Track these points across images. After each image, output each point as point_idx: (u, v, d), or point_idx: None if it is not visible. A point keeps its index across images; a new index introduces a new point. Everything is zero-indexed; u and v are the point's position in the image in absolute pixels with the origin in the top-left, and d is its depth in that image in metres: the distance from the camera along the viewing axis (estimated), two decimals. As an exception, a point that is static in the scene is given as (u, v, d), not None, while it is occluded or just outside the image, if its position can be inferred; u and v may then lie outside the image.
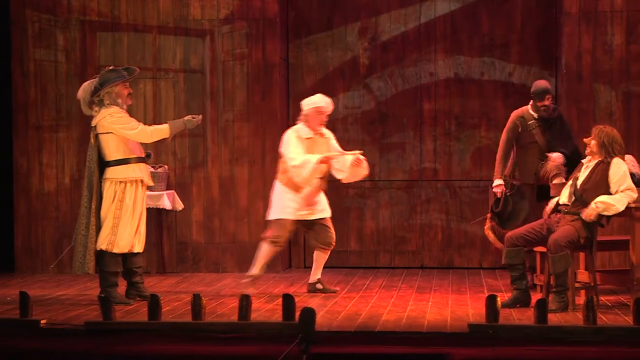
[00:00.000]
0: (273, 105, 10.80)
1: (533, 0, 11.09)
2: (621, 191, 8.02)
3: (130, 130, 8.61)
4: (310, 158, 8.97)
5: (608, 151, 8.14)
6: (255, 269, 9.16)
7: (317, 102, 9.14)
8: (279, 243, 9.12)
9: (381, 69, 11.27)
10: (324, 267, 9.21)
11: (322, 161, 9.01)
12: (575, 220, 8.10)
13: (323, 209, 9.22)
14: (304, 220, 9.15)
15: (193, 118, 8.82)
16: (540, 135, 9.21)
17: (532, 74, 11.03)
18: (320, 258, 9.27)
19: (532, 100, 9.24)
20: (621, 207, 8.00)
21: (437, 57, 11.21)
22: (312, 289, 9.25)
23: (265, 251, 9.12)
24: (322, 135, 9.22)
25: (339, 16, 11.31)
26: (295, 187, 9.08)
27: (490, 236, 9.08)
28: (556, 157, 9.05)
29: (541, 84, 9.25)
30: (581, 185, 8.17)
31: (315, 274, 9.26)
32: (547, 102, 9.14)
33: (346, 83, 11.30)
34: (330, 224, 9.24)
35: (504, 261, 8.32)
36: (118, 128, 8.58)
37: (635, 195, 8.06)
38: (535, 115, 9.22)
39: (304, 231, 9.48)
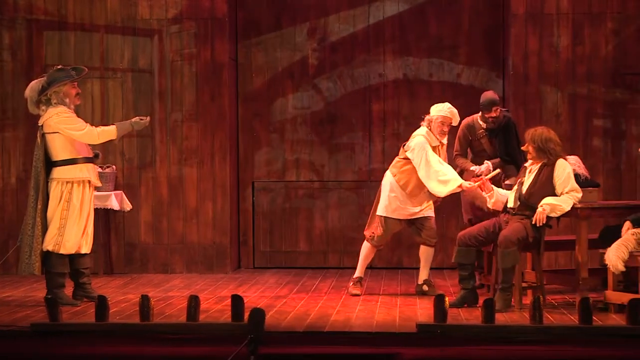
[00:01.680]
0: (222, 106, 10.77)
1: (481, 2, 11.17)
2: (566, 192, 8.10)
3: (77, 131, 8.54)
4: (454, 180, 8.75)
5: (547, 153, 8.20)
6: (358, 271, 9.11)
7: (444, 112, 8.91)
8: (380, 244, 9.08)
9: (330, 70, 11.29)
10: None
11: (462, 187, 8.76)
12: (524, 219, 8.18)
13: (430, 207, 9.08)
14: (410, 218, 9.06)
15: (141, 120, 8.76)
16: (489, 144, 9.26)
17: (480, 75, 11.11)
18: (425, 254, 9.08)
19: (480, 111, 9.27)
20: (567, 207, 8.09)
21: (385, 58, 11.25)
22: (420, 291, 9.07)
23: (367, 251, 9.10)
24: (442, 145, 9.06)
25: (288, 17, 11.30)
26: (412, 190, 8.96)
27: (483, 186, 8.81)
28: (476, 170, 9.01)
29: (488, 95, 9.23)
30: (527, 190, 8.22)
31: (423, 274, 9.10)
32: (494, 114, 9.14)
33: (295, 83, 11.30)
34: (432, 220, 9.09)
35: (454, 259, 8.36)
36: (64, 128, 8.50)
37: (580, 196, 8.16)
38: (484, 125, 9.26)
39: (406, 227, 9.23)
